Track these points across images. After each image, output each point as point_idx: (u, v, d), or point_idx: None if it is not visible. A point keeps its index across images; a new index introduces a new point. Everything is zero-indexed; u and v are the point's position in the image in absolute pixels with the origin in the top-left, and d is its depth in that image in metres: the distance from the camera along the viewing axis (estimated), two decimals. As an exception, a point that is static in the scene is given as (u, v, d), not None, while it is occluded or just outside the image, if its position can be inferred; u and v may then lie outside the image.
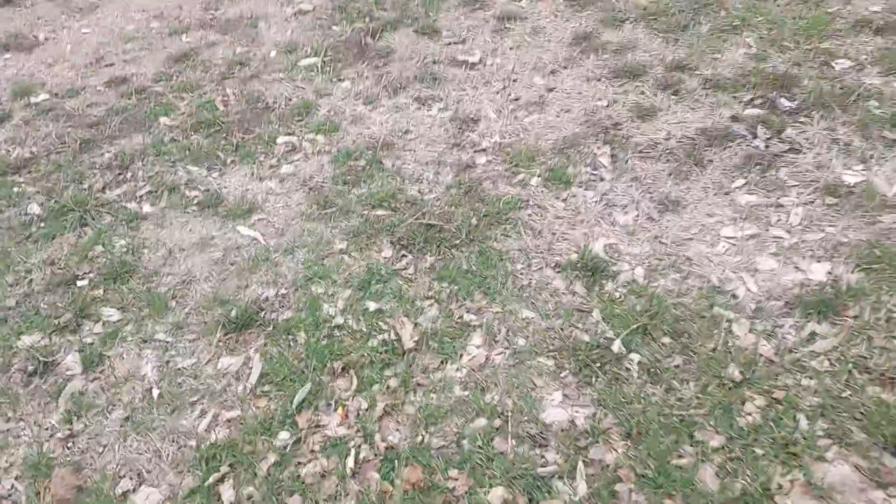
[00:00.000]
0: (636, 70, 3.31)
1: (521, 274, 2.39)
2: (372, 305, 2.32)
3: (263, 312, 2.38)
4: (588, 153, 2.89)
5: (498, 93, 3.37)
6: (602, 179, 2.76)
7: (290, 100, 3.54)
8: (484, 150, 3.03)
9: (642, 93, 3.19)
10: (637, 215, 2.57)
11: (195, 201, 2.93)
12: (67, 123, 3.52)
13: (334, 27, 4.12)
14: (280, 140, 3.23)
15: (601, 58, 3.48)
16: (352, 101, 3.46)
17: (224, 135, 3.31)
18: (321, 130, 3.26)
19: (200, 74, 3.84)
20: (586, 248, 2.43)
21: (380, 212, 2.74)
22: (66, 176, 3.13)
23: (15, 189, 3.09)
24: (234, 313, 2.37)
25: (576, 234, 2.52)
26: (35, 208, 2.97)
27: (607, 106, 3.16)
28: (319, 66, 3.77)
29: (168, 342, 2.32)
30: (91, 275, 2.61)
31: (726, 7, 3.63)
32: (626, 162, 2.82)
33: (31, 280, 2.61)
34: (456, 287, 2.36)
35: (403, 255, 2.52)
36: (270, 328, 2.31)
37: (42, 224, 2.88)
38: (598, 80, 3.33)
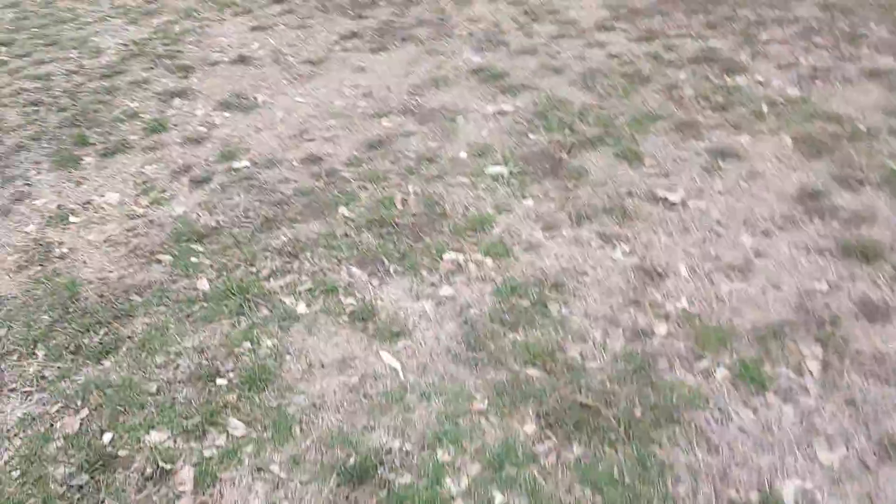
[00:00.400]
0: (871, 251, 2.76)
1: (683, 502, 1.98)
2: (498, 498, 2.02)
3: (382, 468, 2.17)
4: (794, 351, 2.41)
5: (695, 245, 2.97)
6: (807, 392, 2.26)
7: (468, 210, 3.38)
8: (666, 316, 2.64)
9: (875, 283, 2.64)
10: (847, 455, 2.06)
11: (348, 310, 2.83)
12: (257, 197, 3.63)
13: (530, 135, 3.94)
14: (447, 256, 3.07)
15: (828, 225, 2.96)
16: (530, 224, 3.23)
17: (394, 238, 3.22)
18: (491, 252, 3.06)
19: (389, 165, 3.82)
20: (771, 490, 1.96)
21: (532, 371, 2.45)
22: (241, 254, 3.19)
23: (192, 259, 3.20)
24: (352, 461, 2.18)
25: (761, 463, 2.06)
26: (204, 284, 3.03)
27: (827, 292, 2.64)
28: (506, 176, 3.60)
29: (281, 478, 2.18)
30: (231, 374, 2.57)
31: None
32: (842, 375, 2.30)
33: (178, 366, 2.63)
34: (600, 498, 2.00)
35: (548, 436, 2.21)
36: (385, 492, 2.09)
37: (205, 304, 2.92)
38: (821, 253, 2.82)
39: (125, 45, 5.85)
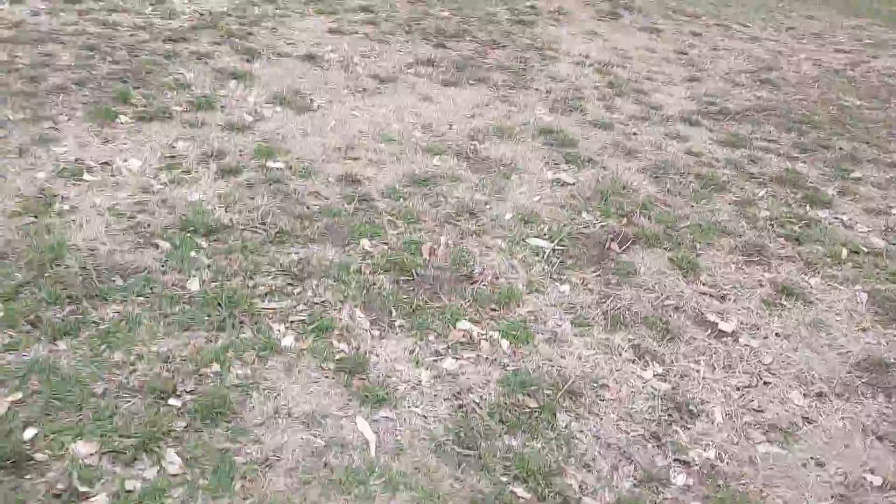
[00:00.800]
0: (941, 454, 2.37)
1: None
2: None
3: (319, 563, 1.83)
4: (829, 553, 2.02)
5: (738, 389, 2.61)
6: None
7: (497, 279, 3.06)
8: (688, 464, 2.28)
9: (940, 495, 2.24)
10: None
11: (337, 357, 2.51)
12: (281, 204, 3.36)
13: (584, 213, 3.63)
14: (461, 325, 2.75)
15: (892, 406, 2.58)
16: (560, 312, 2.90)
17: (410, 289, 2.91)
18: (510, 334, 2.73)
19: (427, 207, 3.53)
20: None
21: (520, 490, 2.10)
22: (244, 262, 2.91)
23: (192, 253, 2.92)
24: (287, 545, 1.85)
25: None
26: (195, 284, 2.75)
27: (880, 487, 2.25)
28: (548, 252, 3.28)
29: (202, 542, 1.85)
30: (189, 396, 2.26)
31: None
32: None
33: (135, 371, 2.33)
34: None
35: (518, 580, 1.85)
36: None
37: (188, 307, 2.63)
38: (880, 439, 2.43)
39: (200, 13, 5.72)
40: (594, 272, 3.20)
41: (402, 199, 3.57)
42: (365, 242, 3.18)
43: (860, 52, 6.79)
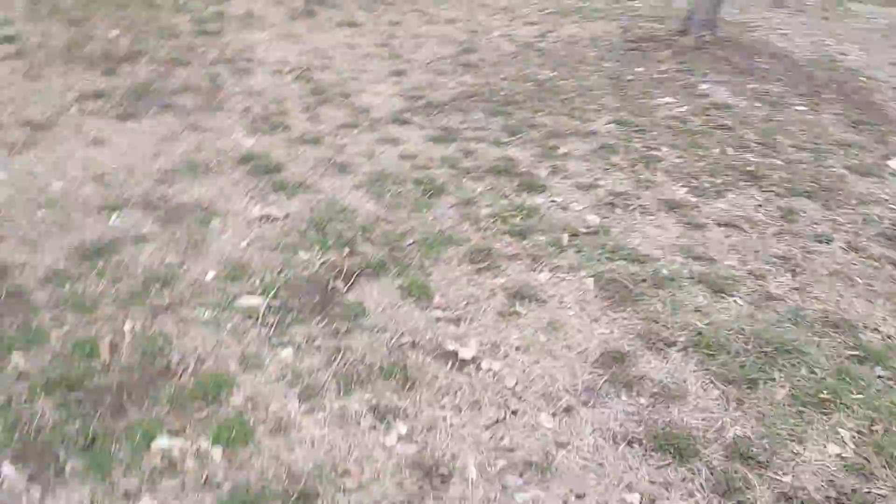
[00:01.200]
0: (684, 445, 2.34)
1: None
2: None
3: None
4: None
5: (487, 429, 2.38)
6: None
7: (203, 363, 2.54)
8: (448, 545, 1.99)
9: (692, 496, 2.19)
10: None
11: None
12: None
13: (301, 252, 3.20)
14: (157, 443, 2.19)
15: (635, 400, 2.53)
16: (284, 389, 2.46)
17: (85, 409, 2.27)
18: (223, 437, 2.23)
19: (105, 286, 2.87)
20: None
21: None
22: None
23: None
24: None
25: None
26: None
27: (640, 504, 2.15)
28: (262, 312, 2.81)
29: None
30: None
31: (809, 365, 2.73)
32: None
33: None
34: None
35: None
36: None
37: None
38: (629, 443, 2.35)
39: None
40: (320, 323, 2.79)
41: (68, 284, 2.86)
42: (17, 357, 2.46)
43: (546, 22, 7.12)
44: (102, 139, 4.10)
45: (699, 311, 2.98)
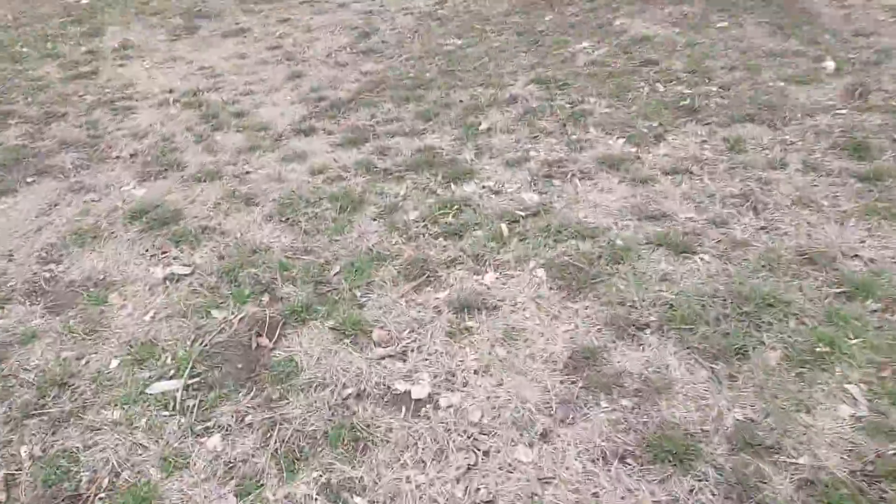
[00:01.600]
0: (682, 449, 2.04)
1: None
2: None
3: None
4: None
5: (459, 482, 2.04)
6: None
7: (118, 476, 2.15)
8: None
9: (703, 509, 1.90)
10: None
11: None
12: None
13: (215, 312, 2.80)
14: None
15: (617, 406, 2.22)
16: (215, 489, 2.09)
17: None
18: (153, 571, 1.86)
19: (-10, 409, 2.44)
20: None
21: None
22: None
23: None
24: None
25: None
26: None
27: (647, 536, 1.85)
28: (179, 397, 2.42)
29: None
30: None
31: (796, 315, 2.44)
32: None
33: None
34: None
35: None
36: None
37: None
38: (623, 460, 2.04)
39: None
40: (248, 395, 2.42)
41: (-54, 418, 2.42)
42: None
43: (444, -14, 6.70)
44: (-27, 226, 3.60)
45: (666, 279, 2.68)
